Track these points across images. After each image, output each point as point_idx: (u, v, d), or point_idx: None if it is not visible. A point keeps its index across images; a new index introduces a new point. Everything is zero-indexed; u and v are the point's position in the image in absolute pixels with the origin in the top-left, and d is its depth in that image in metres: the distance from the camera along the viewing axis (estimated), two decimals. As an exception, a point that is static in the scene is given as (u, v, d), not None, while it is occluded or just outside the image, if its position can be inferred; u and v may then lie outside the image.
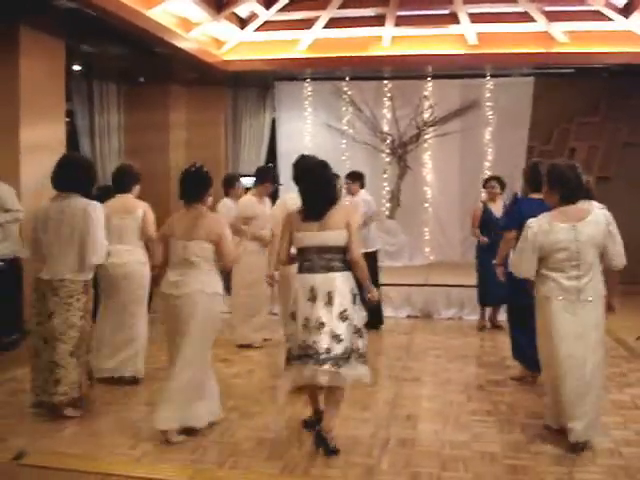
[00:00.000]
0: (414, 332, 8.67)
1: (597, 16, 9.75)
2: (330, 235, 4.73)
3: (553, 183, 4.88)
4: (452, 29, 10.41)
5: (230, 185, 8.31)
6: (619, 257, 4.81)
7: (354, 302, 4.72)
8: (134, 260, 6.30)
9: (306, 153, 11.62)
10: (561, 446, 4.75)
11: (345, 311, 4.64)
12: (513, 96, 11.32)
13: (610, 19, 9.67)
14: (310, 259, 4.76)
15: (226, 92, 12.36)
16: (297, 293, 4.78)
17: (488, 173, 11.29)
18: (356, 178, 8.59)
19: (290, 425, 5.25)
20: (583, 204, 4.91)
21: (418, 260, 11.45)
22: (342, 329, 4.60)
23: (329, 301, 4.64)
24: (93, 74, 10.98)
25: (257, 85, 12.24)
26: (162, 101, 11.72)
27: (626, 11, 9.44)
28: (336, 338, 4.58)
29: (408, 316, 9.51)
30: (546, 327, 4.83)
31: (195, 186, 5.10)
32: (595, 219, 4.77)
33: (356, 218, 4.90)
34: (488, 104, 11.60)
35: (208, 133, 12.13)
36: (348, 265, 4.77)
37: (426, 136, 11.63)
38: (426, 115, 11.54)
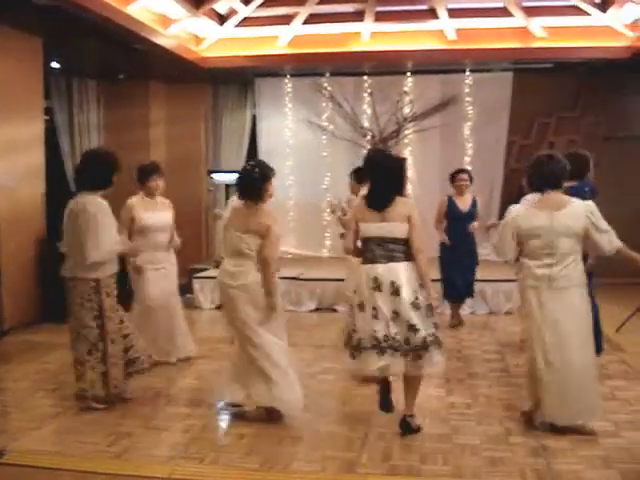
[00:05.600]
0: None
1: (575, 11, 9.83)
2: (389, 227, 4.85)
3: (528, 175, 5.09)
4: (431, 24, 10.43)
5: None
6: (607, 244, 4.82)
7: (420, 292, 4.83)
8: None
9: (287, 149, 11.83)
10: (539, 438, 4.79)
11: (417, 299, 4.77)
12: (492, 91, 11.36)
13: (588, 14, 9.74)
14: (372, 249, 4.90)
15: (206, 88, 12.32)
16: (360, 284, 4.91)
17: (469, 168, 11.34)
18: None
19: (270, 420, 5.23)
20: (562, 196, 4.94)
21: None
22: (416, 319, 4.74)
23: (395, 291, 4.76)
24: (72, 71, 10.92)
25: (237, 81, 12.21)
26: (142, 98, 11.70)
27: (603, 6, 9.52)
28: (412, 328, 4.73)
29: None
30: (527, 313, 4.97)
31: (247, 185, 5.24)
32: (573, 210, 4.81)
33: (416, 211, 4.95)
34: (468, 99, 11.63)
35: (188, 129, 12.10)
36: (410, 257, 4.87)
37: (406, 131, 11.64)
38: (406, 110, 11.54)
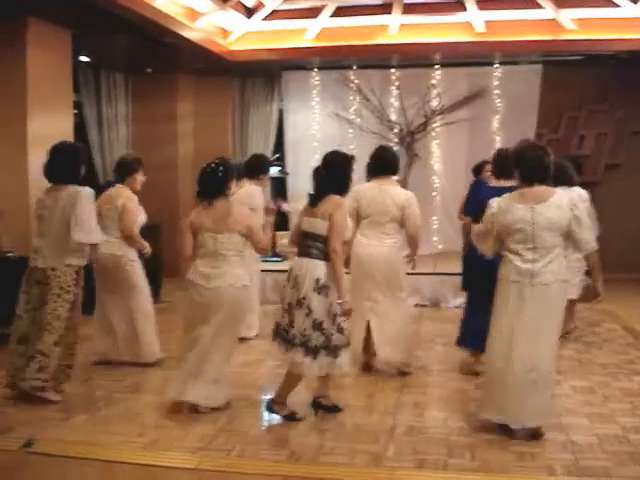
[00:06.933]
0: (422, 320, 8.66)
1: (605, 2, 9.68)
2: (315, 223, 4.92)
3: (515, 164, 4.85)
4: (459, 17, 10.34)
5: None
6: (587, 243, 4.65)
7: (318, 292, 4.83)
8: (108, 253, 6.29)
9: (314, 143, 11.83)
10: (568, 433, 4.77)
11: (303, 299, 4.83)
12: (521, 84, 11.25)
13: (618, 5, 9.61)
14: (299, 243, 5.06)
15: (233, 82, 12.34)
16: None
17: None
18: None
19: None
20: (546, 188, 4.71)
21: (426, 249, 11.37)
22: (296, 316, 4.85)
23: (294, 285, 4.90)
24: (100, 65, 11.00)
25: (264, 75, 12.20)
26: (169, 91, 11.72)
27: (635, -3, 9.39)
28: (290, 324, 4.89)
29: (416, 305, 9.49)
30: (499, 309, 4.76)
31: (212, 184, 5.18)
32: (557, 202, 4.62)
33: (340, 211, 4.91)
34: (496, 92, 11.52)
35: (215, 123, 12.12)
36: (326, 256, 4.89)
37: (434, 124, 11.56)
38: (434, 103, 11.45)
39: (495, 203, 4.79)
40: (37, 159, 8.06)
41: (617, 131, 11.36)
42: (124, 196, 6.42)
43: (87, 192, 5.46)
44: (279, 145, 12.28)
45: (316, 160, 11.79)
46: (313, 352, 4.83)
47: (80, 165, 5.62)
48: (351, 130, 11.88)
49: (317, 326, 4.82)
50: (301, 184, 11.83)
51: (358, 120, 11.84)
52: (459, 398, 5.63)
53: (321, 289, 4.83)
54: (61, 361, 5.44)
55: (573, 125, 11.47)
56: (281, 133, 12.32)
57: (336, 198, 4.95)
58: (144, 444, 4.65)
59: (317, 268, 4.85)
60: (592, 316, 8.28)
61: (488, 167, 8.31)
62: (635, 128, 11.27)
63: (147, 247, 6.57)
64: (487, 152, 11.19)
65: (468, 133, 11.60)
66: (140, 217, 6.56)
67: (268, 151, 12.01)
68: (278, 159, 12.12)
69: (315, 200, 4.99)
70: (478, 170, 8.44)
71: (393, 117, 11.74)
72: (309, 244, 4.93)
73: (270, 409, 5.12)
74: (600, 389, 5.79)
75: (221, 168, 5.18)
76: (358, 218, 6.15)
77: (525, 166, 4.74)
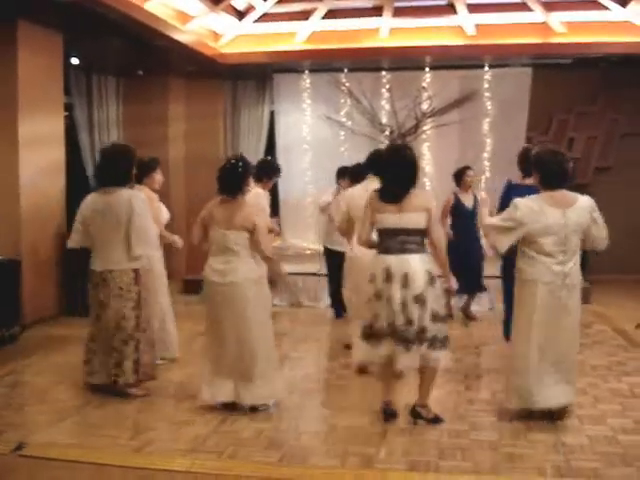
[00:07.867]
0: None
1: (595, 6, 9.71)
2: (409, 217, 4.89)
3: (534, 167, 5.04)
4: (450, 20, 10.37)
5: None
6: (604, 239, 5.02)
7: (431, 284, 4.85)
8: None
9: (305, 145, 11.84)
10: (559, 434, 4.79)
11: (422, 294, 4.81)
12: (511, 86, 11.26)
13: (608, 9, 9.65)
14: (387, 241, 4.96)
15: (224, 84, 12.32)
16: (375, 274, 4.97)
17: (487, 164, 11.30)
18: (340, 175, 8.71)
19: (289, 415, 5.29)
20: (569, 192, 4.94)
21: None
22: (415, 313, 4.81)
23: (405, 284, 4.82)
24: (92, 67, 10.96)
25: (255, 77, 12.19)
26: (161, 94, 11.68)
27: (624, 1, 9.42)
28: (409, 322, 4.81)
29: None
30: (526, 309, 4.96)
31: (232, 180, 5.26)
32: (582, 205, 4.87)
33: (434, 201, 5.05)
34: (486, 95, 11.53)
35: (207, 125, 12.10)
36: (425, 248, 4.96)
37: (425, 127, 11.58)
38: (424, 106, 11.48)
39: (522, 205, 4.88)
40: (28, 162, 8.12)
41: (607, 134, 11.39)
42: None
43: (140, 197, 5.61)
44: (270, 147, 12.25)
45: (307, 163, 11.90)
46: (432, 343, 4.86)
47: (131, 168, 5.74)
48: (342, 132, 11.88)
49: (436, 317, 4.88)
50: (292, 186, 11.87)
51: (349, 123, 11.83)
52: (450, 400, 5.63)
53: (432, 281, 4.88)
54: (136, 358, 5.60)
55: (563, 128, 11.50)
56: (272, 135, 12.30)
57: (423, 191, 5.13)
58: (135, 447, 4.64)
59: (422, 262, 4.88)
60: (583, 317, 8.28)
61: (469, 172, 8.50)
62: (625, 131, 11.33)
63: (177, 241, 6.72)
64: (477, 154, 11.33)
65: (459, 135, 11.61)
66: (163, 215, 6.71)
67: (259, 153, 11.99)
68: (269, 161, 12.12)
69: (399, 196, 4.94)
70: (459, 175, 8.53)
71: (384, 120, 11.74)
72: (403, 240, 4.89)
73: (416, 415, 5.07)
74: (590, 390, 5.81)
75: (240, 164, 5.28)
76: (351, 222, 6.15)
77: (547, 171, 4.93)
